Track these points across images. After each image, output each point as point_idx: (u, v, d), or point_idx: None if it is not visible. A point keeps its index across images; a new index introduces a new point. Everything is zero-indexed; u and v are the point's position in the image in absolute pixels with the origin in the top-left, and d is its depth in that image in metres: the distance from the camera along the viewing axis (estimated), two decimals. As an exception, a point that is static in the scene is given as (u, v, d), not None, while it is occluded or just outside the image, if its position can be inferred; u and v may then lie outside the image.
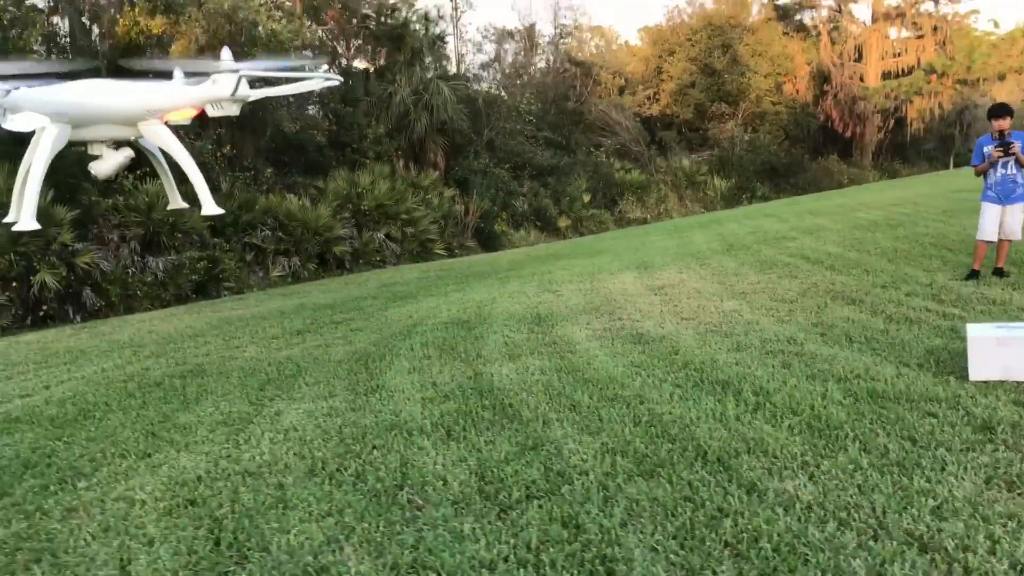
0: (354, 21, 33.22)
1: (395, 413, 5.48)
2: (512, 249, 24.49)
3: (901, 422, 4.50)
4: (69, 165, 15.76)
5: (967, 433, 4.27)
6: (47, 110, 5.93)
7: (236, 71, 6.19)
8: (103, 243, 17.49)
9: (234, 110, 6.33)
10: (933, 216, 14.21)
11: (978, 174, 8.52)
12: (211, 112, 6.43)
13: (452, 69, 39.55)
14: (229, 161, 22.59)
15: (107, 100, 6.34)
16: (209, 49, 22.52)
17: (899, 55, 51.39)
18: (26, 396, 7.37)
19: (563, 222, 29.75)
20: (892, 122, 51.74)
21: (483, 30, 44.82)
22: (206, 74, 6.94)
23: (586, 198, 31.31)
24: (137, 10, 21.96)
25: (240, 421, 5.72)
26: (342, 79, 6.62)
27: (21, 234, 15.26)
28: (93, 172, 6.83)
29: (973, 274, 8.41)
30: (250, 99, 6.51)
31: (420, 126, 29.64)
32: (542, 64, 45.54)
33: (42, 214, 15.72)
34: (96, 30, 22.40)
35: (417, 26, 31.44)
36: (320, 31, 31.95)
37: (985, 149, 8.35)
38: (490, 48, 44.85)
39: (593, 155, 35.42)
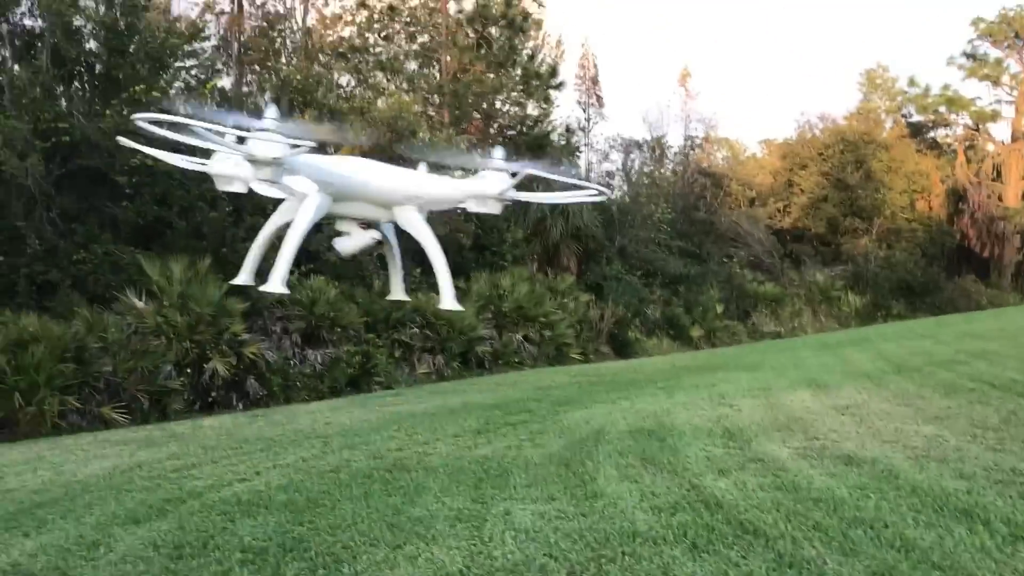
0: (492, 130, 34.67)
1: (630, 520, 5.60)
2: (648, 358, 24.46)
3: None
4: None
5: None
6: (318, 177, 6.10)
7: (508, 171, 6.18)
8: (267, 334, 18.39)
9: (497, 208, 6.21)
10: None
11: None
12: (472, 207, 6.29)
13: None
14: (379, 260, 23.58)
15: (375, 180, 6.32)
16: (371, 154, 23.88)
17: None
18: (244, 480, 7.79)
19: (696, 332, 29.62)
20: (1034, 243, 50.06)
21: (611, 140, 45.76)
22: (447, 167, 7.15)
23: (719, 308, 31.16)
24: (306, 117, 23.51)
25: (474, 518, 5.93)
26: (610, 193, 6.16)
27: (199, 323, 16.40)
28: (338, 248, 6.66)
29: None
30: (512, 200, 6.41)
31: (556, 231, 30.36)
32: (669, 173, 46.20)
33: (217, 305, 16.82)
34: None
35: (556, 136, 32.56)
36: (463, 140, 33.45)
37: None
38: (616, 157, 45.86)
39: (726, 265, 35.38)
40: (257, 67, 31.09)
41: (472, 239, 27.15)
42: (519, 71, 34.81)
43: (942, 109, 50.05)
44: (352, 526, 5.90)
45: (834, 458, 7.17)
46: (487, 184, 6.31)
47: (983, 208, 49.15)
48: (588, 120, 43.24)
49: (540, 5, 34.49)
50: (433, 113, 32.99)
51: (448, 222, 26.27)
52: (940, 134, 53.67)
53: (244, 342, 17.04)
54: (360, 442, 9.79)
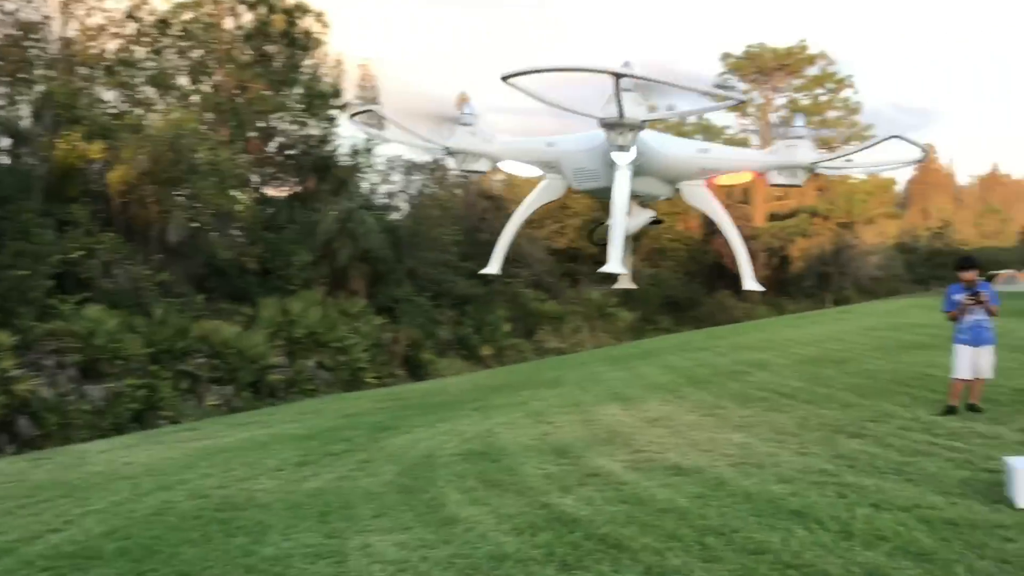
0: (271, 149, 33.69)
1: (494, 543, 5.66)
2: (445, 379, 24.62)
3: (985, 547, 5.00)
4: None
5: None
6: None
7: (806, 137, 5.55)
8: (39, 369, 16.90)
9: (801, 179, 5.36)
10: (867, 352, 15.29)
11: (950, 320, 9.44)
12: (775, 179, 5.75)
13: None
14: (162, 287, 22.27)
15: (665, 152, 5.72)
16: (148, 176, 22.55)
17: (782, 198, 55.10)
18: (57, 531, 7.13)
19: (486, 351, 30.19)
20: (777, 260, 55.06)
21: (392, 161, 45.67)
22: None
23: (506, 327, 31.93)
24: (74, 135, 21.87)
25: (333, 554, 5.77)
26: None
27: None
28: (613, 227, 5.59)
29: (950, 410, 9.19)
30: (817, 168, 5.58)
31: (344, 254, 29.98)
32: (452, 196, 46.81)
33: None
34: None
35: (346, 157, 32.20)
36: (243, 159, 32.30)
37: (955, 298, 9.29)
38: (398, 178, 45.89)
39: (510, 285, 36.29)
40: (9, 78, 28.50)
41: (258, 263, 26.28)
42: (300, 90, 34.08)
43: (698, 137, 54.08)
44: (204, 571, 5.57)
45: (664, 469, 7.57)
46: (799, 153, 5.74)
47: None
48: (369, 140, 43.03)
49: (324, 25, 33.97)
50: (208, 130, 31.63)
51: (233, 246, 25.31)
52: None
53: (14, 378, 15.56)
54: (175, 481, 9.22)
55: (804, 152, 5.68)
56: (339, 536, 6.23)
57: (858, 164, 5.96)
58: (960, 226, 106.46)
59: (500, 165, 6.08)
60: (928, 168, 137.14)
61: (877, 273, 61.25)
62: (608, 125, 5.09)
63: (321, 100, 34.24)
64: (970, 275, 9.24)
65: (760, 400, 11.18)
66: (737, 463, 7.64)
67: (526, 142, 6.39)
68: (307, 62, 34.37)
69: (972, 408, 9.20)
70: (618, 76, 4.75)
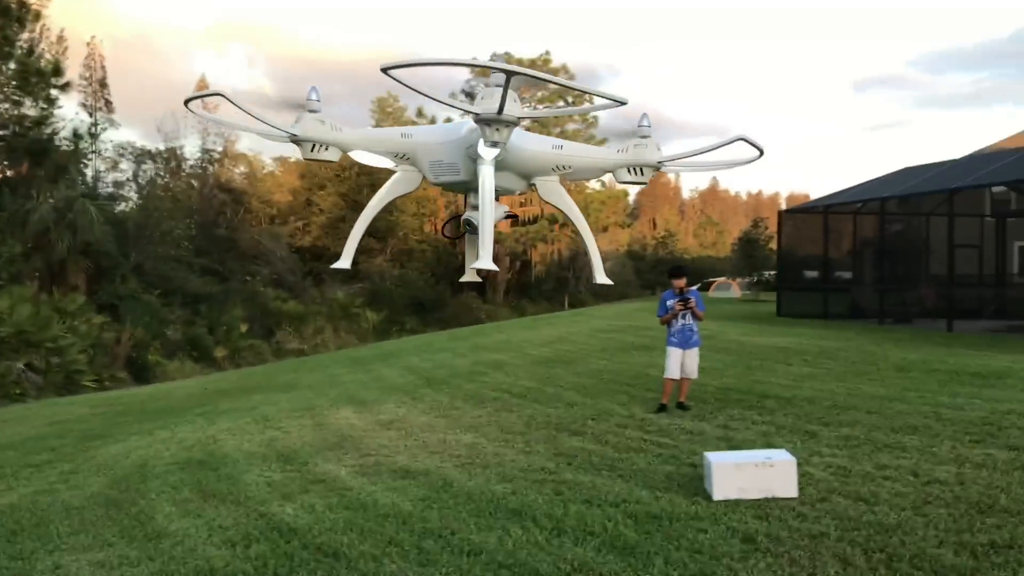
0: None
1: (203, 558, 5.32)
2: (174, 382, 23.23)
3: (683, 538, 5.35)
4: None
5: (736, 544, 5.21)
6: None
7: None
8: None
9: (647, 177, 4.98)
10: (595, 353, 16.10)
11: (663, 323, 10.12)
12: (623, 177, 5.76)
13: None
14: None
15: (521, 148, 5.56)
16: None
17: (525, 204, 57.10)
18: None
19: (220, 352, 28.87)
20: (519, 264, 57.01)
21: (120, 148, 42.64)
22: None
23: (243, 327, 30.70)
24: None
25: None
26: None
27: None
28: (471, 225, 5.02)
29: (662, 407, 9.85)
30: (663, 166, 5.24)
31: (62, 246, 27.57)
32: (187, 187, 44.46)
33: None
34: None
35: (66, 142, 29.54)
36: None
37: (668, 303, 9.96)
38: (127, 166, 42.99)
39: (248, 283, 34.99)
40: None
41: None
42: (14, 65, 30.91)
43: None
44: None
45: (391, 473, 7.50)
46: (647, 152, 5.70)
47: (480, 232, 54.75)
48: (96, 125, 39.92)
49: (41, -6, 31.00)
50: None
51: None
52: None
53: None
54: None
55: (652, 151, 5.79)
56: (26, 558, 5.61)
57: (700, 163, 6.07)
58: (683, 236, 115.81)
59: (351, 155, 5.69)
60: (656, 182, 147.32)
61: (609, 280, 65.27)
62: (484, 121, 4.99)
63: (39, 78, 31.26)
64: (681, 282, 9.94)
65: (493, 400, 11.42)
66: (464, 464, 7.72)
67: (379, 132, 6.36)
68: (23, 36, 31.25)
69: (681, 406, 9.90)
70: (510, 73, 4.62)
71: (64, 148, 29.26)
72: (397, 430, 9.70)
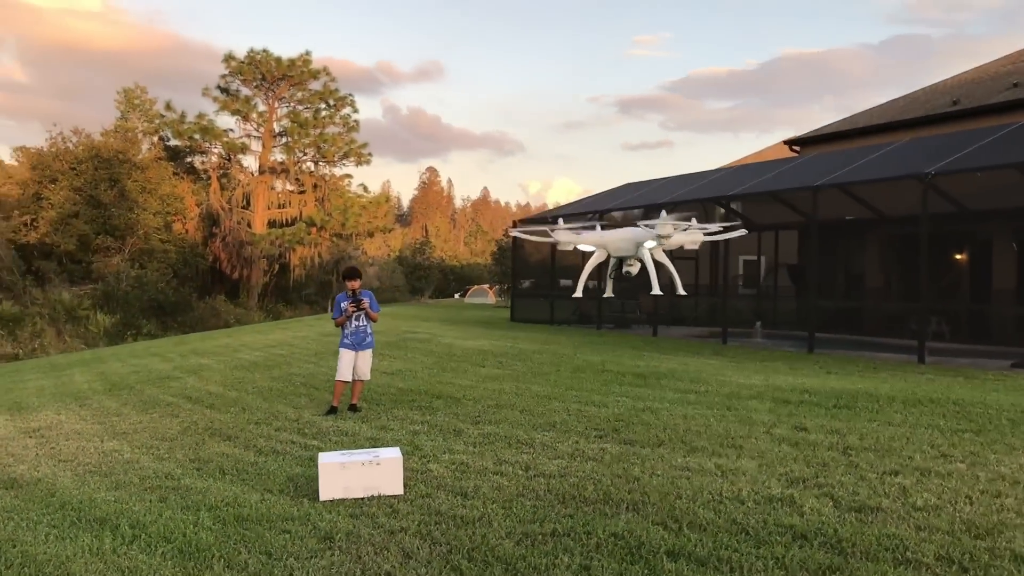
0: None
1: None
2: None
3: (260, 540, 5.26)
4: None
5: (312, 543, 5.19)
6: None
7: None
8: None
9: (696, 247, 10.91)
10: (305, 357, 15.84)
11: (338, 325, 10.06)
12: (687, 247, 10.59)
13: None
14: None
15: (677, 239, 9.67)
16: None
17: (284, 206, 55.60)
18: None
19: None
20: (277, 267, 55.35)
21: None
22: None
23: (-57, 330, 27.75)
24: None
25: None
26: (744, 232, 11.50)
27: None
28: (631, 272, 9.67)
29: (332, 410, 9.77)
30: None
31: None
32: None
33: None
34: None
35: None
36: None
37: (342, 305, 9.92)
38: None
39: (-47, 282, 31.70)
40: None
41: None
42: None
43: (197, 136, 52.33)
44: None
45: (-3, 483, 6.94)
46: (695, 236, 9.91)
47: (233, 233, 52.69)
48: None
49: None
50: None
51: None
52: (197, 160, 56.08)
53: None
54: None
55: (699, 234, 9.96)
56: None
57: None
58: (453, 244, 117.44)
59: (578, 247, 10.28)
60: (429, 189, 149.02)
61: (376, 283, 64.83)
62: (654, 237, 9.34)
63: None
64: (355, 284, 9.92)
65: (166, 406, 10.91)
66: (86, 472, 7.27)
67: (590, 235, 10.15)
68: None
69: (352, 408, 9.87)
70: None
71: None
72: (40, 438, 9.02)
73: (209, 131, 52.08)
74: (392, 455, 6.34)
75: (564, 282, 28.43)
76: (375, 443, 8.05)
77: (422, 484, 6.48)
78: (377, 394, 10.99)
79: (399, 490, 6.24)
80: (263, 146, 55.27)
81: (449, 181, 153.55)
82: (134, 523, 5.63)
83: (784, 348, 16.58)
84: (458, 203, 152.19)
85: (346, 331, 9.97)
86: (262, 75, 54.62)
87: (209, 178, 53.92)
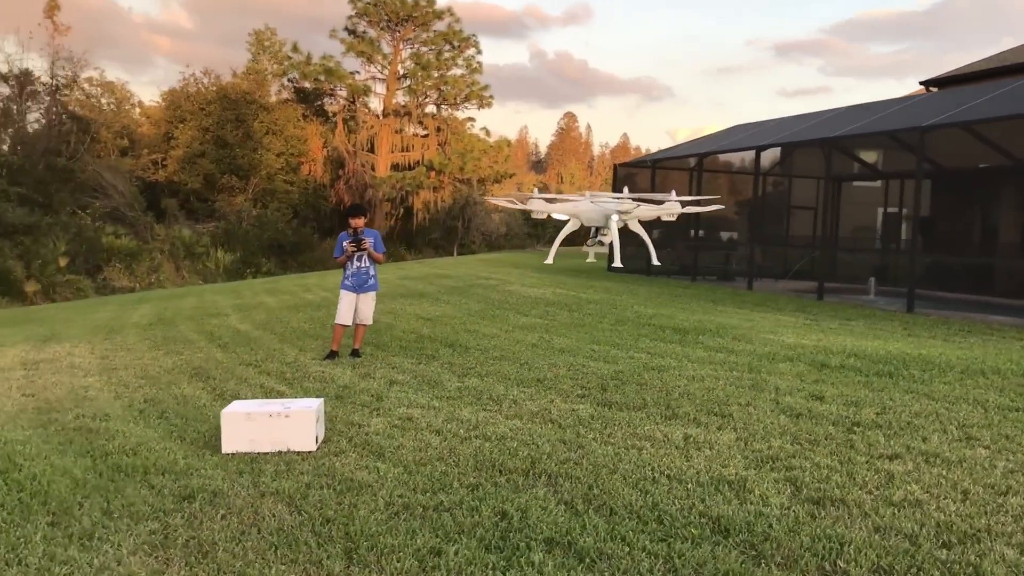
0: None
1: None
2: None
3: (117, 494, 4.74)
4: None
5: (168, 503, 4.61)
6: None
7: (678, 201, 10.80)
8: None
9: (674, 218, 11.46)
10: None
11: (339, 265, 9.48)
12: (664, 218, 11.50)
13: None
14: None
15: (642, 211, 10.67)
16: None
17: (407, 150, 55.82)
18: None
19: (31, 287, 27.28)
20: (401, 211, 55.77)
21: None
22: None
23: (62, 262, 29.09)
24: None
25: None
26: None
27: None
28: (602, 242, 10.32)
29: (332, 354, 9.24)
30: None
31: None
32: (37, 115, 42.09)
33: None
34: None
35: None
36: None
37: (343, 244, 9.31)
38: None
39: (78, 217, 33.19)
40: None
41: None
42: None
43: (322, 78, 52.90)
44: None
45: (-66, 415, 6.74)
46: (673, 207, 10.77)
47: (357, 176, 53.34)
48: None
49: None
50: None
51: None
52: (326, 103, 56.89)
53: None
54: None
55: (676, 206, 10.84)
56: None
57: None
58: (591, 191, 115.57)
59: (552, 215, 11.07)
60: (567, 135, 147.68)
61: (504, 230, 64.59)
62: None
63: None
64: (358, 222, 9.28)
65: (180, 343, 10.70)
66: (33, 409, 7.00)
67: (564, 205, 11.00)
68: None
69: (354, 353, 9.31)
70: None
71: None
72: (30, 370, 8.94)
73: (333, 72, 52.55)
74: (305, 407, 5.70)
75: (725, 235, 27.14)
76: (347, 390, 7.47)
77: (346, 440, 5.83)
78: (394, 338, 10.43)
79: (310, 446, 5.61)
80: (387, 88, 55.46)
81: (588, 127, 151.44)
82: (6, 467, 5.22)
83: (889, 308, 14.94)
84: (596, 150, 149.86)
85: (347, 272, 9.38)
86: (387, 16, 54.61)
87: (336, 121, 54.56)
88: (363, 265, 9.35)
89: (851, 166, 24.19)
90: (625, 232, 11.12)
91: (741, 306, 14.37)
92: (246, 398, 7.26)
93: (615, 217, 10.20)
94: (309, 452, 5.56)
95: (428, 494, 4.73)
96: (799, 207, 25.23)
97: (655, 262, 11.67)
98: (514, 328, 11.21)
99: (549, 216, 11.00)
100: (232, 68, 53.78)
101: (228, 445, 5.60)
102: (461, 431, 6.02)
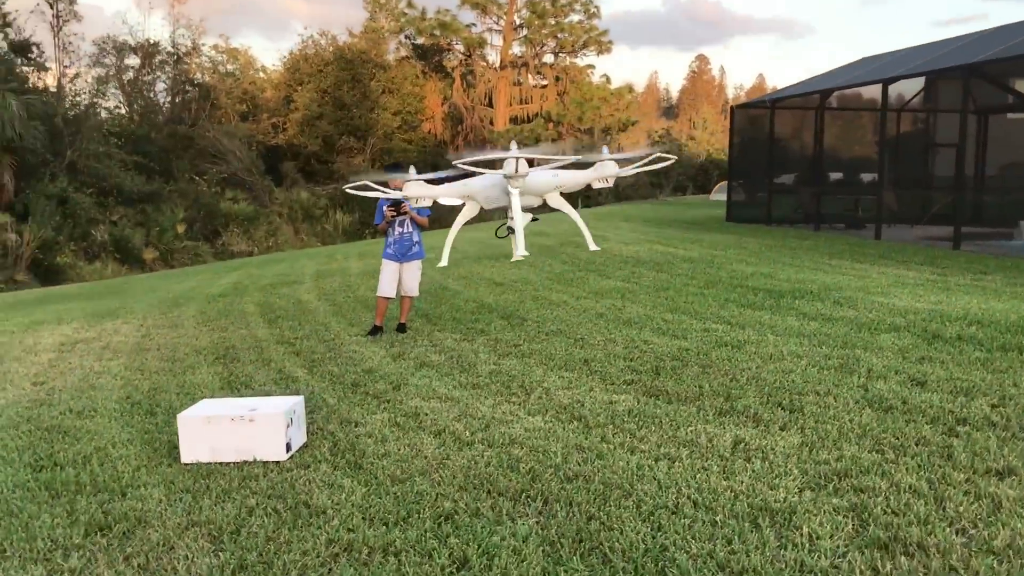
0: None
1: None
2: (73, 284, 22.35)
3: (25, 523, 4.02)
4: None
5: (74, 536, 3.86)
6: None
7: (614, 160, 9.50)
8: None
9: (612, 183, 9.68)
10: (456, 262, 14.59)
11: (380, 232, 8.60)
12: (596, 185, 9.74)
13: (51, 82, 36.23)
14: None
15: (537, 181, 9.30)
16: None
17: (525, 102, 54.68)
18: None
19: (149, 254, 27.88)
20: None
21: (100, 42, 41.43)
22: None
23: (180, 228, 29.62)
24: None
25: None
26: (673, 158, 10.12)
27: None
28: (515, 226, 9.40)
29: (375, 330, 8.41)
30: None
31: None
32: (163, 85, 43.17)
33: None
34: None
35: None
36: None
37: (384, 209, 8.42)
38: (110, 63, 41.76)
39: (196, 183, 33.77)
40: None
41: None
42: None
43: (437, 32, 52.21)
44: None
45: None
46: (607, 169, 9.48)
47: (475, 131, 52.69)
48: (58, 18, 38.54)
49: None
50: None
51: None
52: (443, 58, 56.25)
53: None
54: None
55: (612, 167, 9.43)
56: None
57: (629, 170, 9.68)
58: (722, 136, 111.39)
59: (439, 200, 9.40)
60: (699, 79, 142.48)
61: (630, 180, 62.74)
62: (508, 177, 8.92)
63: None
64: (398, 182, 8.37)
65: (233, 317, 10.16)
66: (31, 401, 6.45)
67: (452, 186, 9.75)
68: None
69: (400, 328, 8.47)
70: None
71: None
72: (63, 351, 8.47)
73: (448, 27, 51.78)
74: (273, 410, 4.84)
75: (782, 179, 25.12)
76: (368, 376, 6.63)
77: (329, 444, 4.97)
78: (452, 308, 9.56)
79: (280, 454, 4.76)
80: (503, 40, 54.32)
81: (721, 69, 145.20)
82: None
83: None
84: (730, 93, 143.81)
85: (389, 239, 8.50)
86: (503, -36, 53.31)
87: (453, 76, 53.88)
88: (406, 231, 8.44)
89: (1003, 97, 21.57)
90: (544, 209, 10.06)
91: (860, 259, 12.73)
92: (259, 384, 6.53)
93: (514, 191, 8.93)
94: (277, 462, 4.72)
95: (384, 528, 3.79)
96: (943, 144, 22.78)
97: (592, 247, 10.26)
98: (588, 294, 10.10)
99: (435, 202, 9.09)
100: (348, 28, 53.67)
101: (188, 454, 4.81)
102: (466, 433, 5.05)
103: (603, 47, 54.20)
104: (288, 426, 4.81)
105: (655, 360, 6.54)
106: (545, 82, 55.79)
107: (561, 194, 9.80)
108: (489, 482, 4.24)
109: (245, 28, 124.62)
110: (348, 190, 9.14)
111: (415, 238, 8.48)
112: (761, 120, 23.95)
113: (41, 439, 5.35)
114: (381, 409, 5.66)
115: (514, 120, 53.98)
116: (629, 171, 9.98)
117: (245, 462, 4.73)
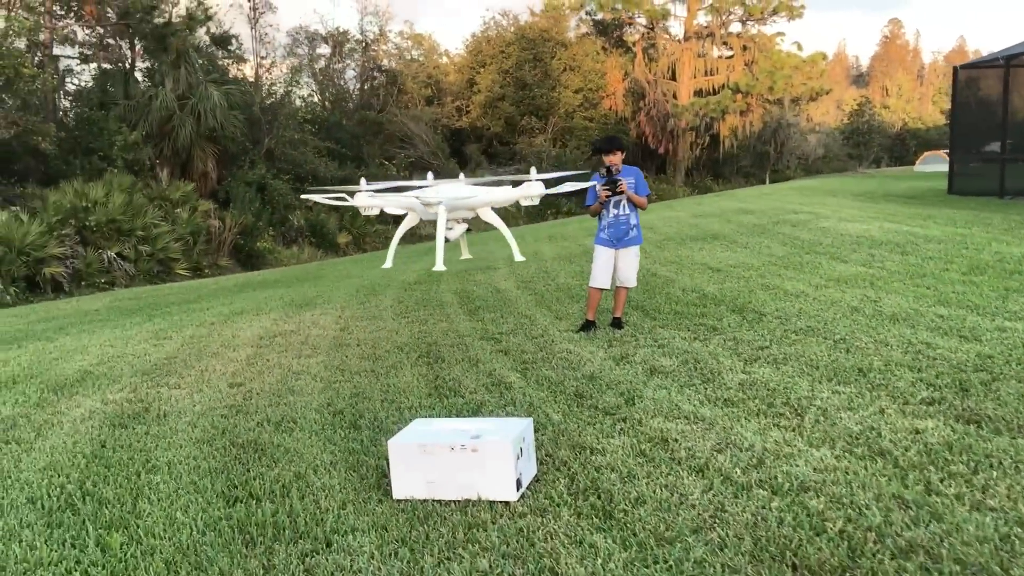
0: (110, 15, 30.54)
1: None
2: (270, 270, 22.79)
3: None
4: None
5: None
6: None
7: (541, 181, 11.86)
8: None
9: (537, 201, 12.36)
10: (672, 239, 13.53)
11: (593, 215, 7.62)
12: (524, 203, 12.59)
13: (249, 73, 37.53)
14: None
15: (464, 200, 11.97)
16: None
17: (711, 74, 52.41)
18: None
19: (343, 238, 28.24)
20: (707, 139, 52.62)
21: (293, 32, 42.84)
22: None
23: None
24: None
25: None
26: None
27: None
28: (448, 237, 11.15)
29: (587, 325, 7.47)
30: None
31: (185, 132, 27.58)
32: (353, 72, 44.06)
33: None
34: None
35: (203, 29, 29.34)
36: (79, 27, 29.45)
37: (596, 188, 7.44)
38: (303, 52, 43.07)
39: (384, 167, 34.08)
40: None
41: (60, 144, 23.80)
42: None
43: (619, 7, 50.78)
44: None
45: (120, 419, 5.84)
46: (535, 187, 12.23)
47: (658, 106, 50.96)
48: (255, 11, 39.94)
49: None
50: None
51: (15, 123, 22.79)
52: (625, 33, 54.75)
53: None
54: None
55: (538, 186, 11.92)
56: None
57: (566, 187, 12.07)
58: (918, 104, 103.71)
59: (386, 209, 12.78)
60: (891, 44, 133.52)
61: (821, 151, 59.10)
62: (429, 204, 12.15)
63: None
64: (612, 158, 7.33)
65: (433, 307, 9.45)
66: (239, 402, 5.92)
67: (398, 198, 12.59)
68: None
69: (615, 323, 7.50)
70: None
71: (179, 32, 28.87)
72: (260, 348, 8.00)
73: (630, 0, 50.25)
74: (502, 437, 3.95)
75: (990, 147, 22.33)
76: (592, 383, 5.68)
77: (564, 479, 4.04)
78: (669, 299, 8.48)
79: (510, 494, 3.87)
80: (687, 10, 52.27)
81: (916, 33, 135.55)
82: (124, 516, 4.01)
83: None
84: (927, 57, 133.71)
85: (602, 223, 7.51)
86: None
87: (635, 51, 52.33)
88: (622, 213, 7.42)
89: None
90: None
91: None
92: (469, 392, 5.72)
93: (439, 210, 10.79)
94: (507, 503, 3.84)
95: None
96: None
97: (518, 257, 12.30)
98: (827, 282, 8.75)
99: (382, 211, 11.27)
100: (529, 7, 53.17)
101: (400, 489, 4.00)
102: (736, 471, 3.98)
103: (794, 12, 51.13)
104: (518, 458, 3.92)
105: (953, 371, 5.23)
106: (731, 52, 53.29)
107: (494, 208, 13.10)
108: (791, 551, 3.17)
109: (427, 14, 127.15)
110: (308, 198, 11.94)
111: (632, 221, 7.45)
112: (991, 80, 21.35)
113: (236, 459, 4.71)
114: (618, 431, 4.68)
115: (699, 93, 51.87)
116: (553, 190, 12.79)
117: (468, 501, 3.88)
